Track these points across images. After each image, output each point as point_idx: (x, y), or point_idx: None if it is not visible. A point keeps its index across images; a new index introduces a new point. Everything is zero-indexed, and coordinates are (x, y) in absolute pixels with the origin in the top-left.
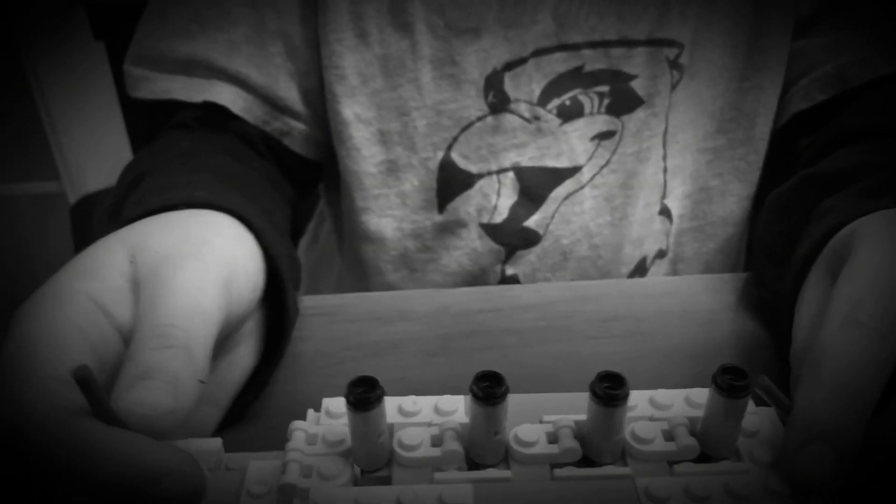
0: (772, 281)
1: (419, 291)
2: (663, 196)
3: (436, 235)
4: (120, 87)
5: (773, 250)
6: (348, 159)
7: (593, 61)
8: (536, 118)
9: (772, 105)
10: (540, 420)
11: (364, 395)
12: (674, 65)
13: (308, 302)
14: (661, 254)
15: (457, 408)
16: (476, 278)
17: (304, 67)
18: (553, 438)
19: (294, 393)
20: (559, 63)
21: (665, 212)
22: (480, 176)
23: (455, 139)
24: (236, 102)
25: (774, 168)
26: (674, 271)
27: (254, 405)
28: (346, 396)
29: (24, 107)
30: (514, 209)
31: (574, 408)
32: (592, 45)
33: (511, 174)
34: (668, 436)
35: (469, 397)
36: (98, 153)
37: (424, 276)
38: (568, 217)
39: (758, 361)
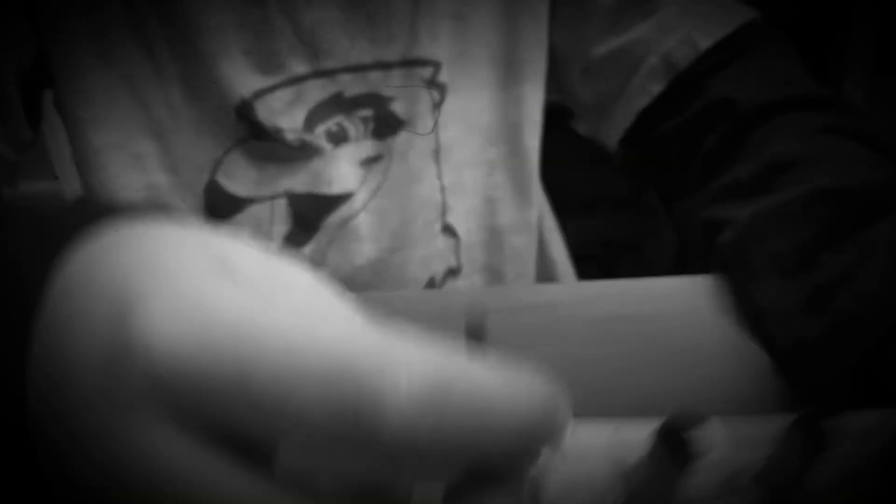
0: (777, 291)
1: (419, 292)
2: (444, 214)
3: None
4: None
5: (780, 263)
6: (101, 189)
7: (352, 86)
8: (305, 144)
9: (534, 115)
10: None
11: None
12: (432, 84)
13: None
14: (451, 272)
15: None
16: None
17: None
18: None
19: None
20: (317, 90)
21: (448, 230)
22: (251, 201)
23: (220, 161)
24: None
25: (655, 163)
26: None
27: None
28: None
29: None
30: (288, 238)
31: None
32: (349, 69)
33: (283, 201)
34: None
35: None
36: None
37: None
38: (345, 245)
39: (761, 363)
